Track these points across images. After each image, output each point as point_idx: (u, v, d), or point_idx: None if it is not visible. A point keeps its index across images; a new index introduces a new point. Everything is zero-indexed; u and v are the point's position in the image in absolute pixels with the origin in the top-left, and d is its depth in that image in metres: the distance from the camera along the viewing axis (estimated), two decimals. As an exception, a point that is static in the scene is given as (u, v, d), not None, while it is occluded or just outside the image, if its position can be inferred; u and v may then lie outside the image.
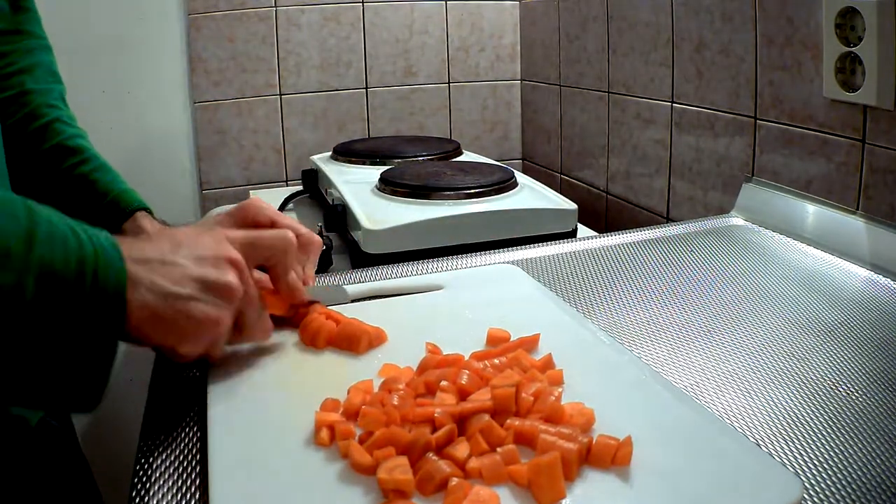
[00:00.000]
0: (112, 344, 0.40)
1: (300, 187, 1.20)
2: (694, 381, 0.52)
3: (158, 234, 0.47)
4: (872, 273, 0.69)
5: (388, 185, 0.95)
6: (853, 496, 0.39)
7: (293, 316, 0.58)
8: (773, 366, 0.53)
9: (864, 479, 0.40)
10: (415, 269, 0.75)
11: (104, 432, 1.37)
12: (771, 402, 0.49)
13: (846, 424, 0.46)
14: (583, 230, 0.96)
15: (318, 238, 0.61)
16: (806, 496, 0.39)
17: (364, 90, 1.43)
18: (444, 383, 0.45)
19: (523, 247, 0.81)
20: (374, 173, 1.02)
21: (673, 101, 1.04)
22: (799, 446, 0.44)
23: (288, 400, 0.47)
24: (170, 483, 0.42)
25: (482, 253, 0.80)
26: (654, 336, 0.59)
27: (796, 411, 0.47)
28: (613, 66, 1.18)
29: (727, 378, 0.52)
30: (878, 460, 0.42)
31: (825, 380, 0.51)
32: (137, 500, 0.41)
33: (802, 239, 0.79)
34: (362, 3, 1.40)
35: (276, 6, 1.34)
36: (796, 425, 0.46)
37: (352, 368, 0.52)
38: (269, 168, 1.40)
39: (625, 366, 0.50)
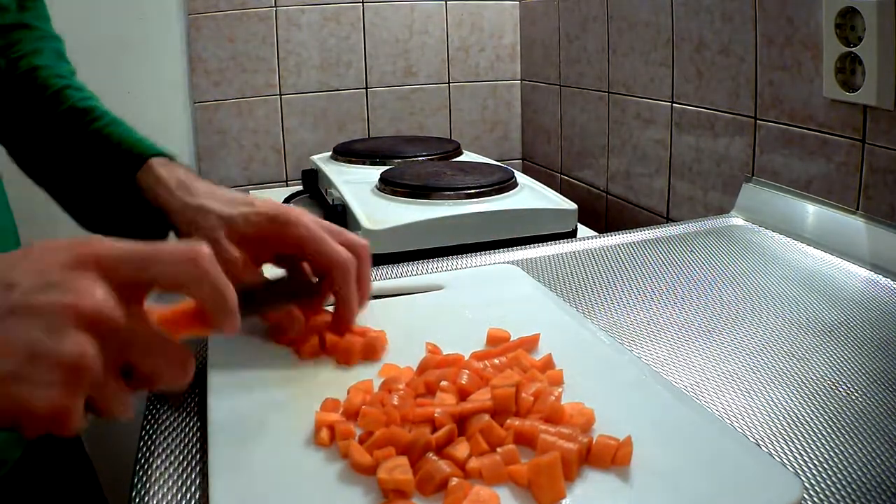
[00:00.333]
0: None
1: (300, 187, 1.20)
2: (694, 381, 0.52)
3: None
4: (872, 273, 0.69)
5: (388, 185, 0.95)
6: (853, 496, 0.39)
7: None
8: (773, 366, 0.53)
9: (864, 479, 0.40)
10: (415, 269, 0.75)
11: (104, 432, 1.37)
12: (771, 402, 0.49)
13: (846, 424, 0.46)
14: (583, 230, 0.96)
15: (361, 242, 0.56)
16: (806, 496, 0.39)
17: (364, 90, 1.43)
18: (444, 383, 0.45)
19: (523, 247, 0.81)
20: (374, 173, 1.02)
21: (673, 101, 1.04)
22: (799, 446, 0.44)
23: (288, 400, 0.47)
24: (170, 483, 0.42)
25: (482, 253, 0.80)
26: (654, 336, 0.59)
27: (796, 411, 0.47)
28: (613, 66, 1.18)
29: (727, 378, 0.52)
30: (878, 460, 0.42)
31: (825, 380, 0.51)
32: (137, 500, 0.41)
33: (802, 239, 0.79)
34: (362, 3, 1.40)
35: (276, 6, 1.34)
36: (796, 425, 0.46)
37: (352, 368, 0.52)
38: (269, 168, 1.40)
39: (625, 366, 0.50)
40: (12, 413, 0.32)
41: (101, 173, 0.62)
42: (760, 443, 0.44)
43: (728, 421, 0.46)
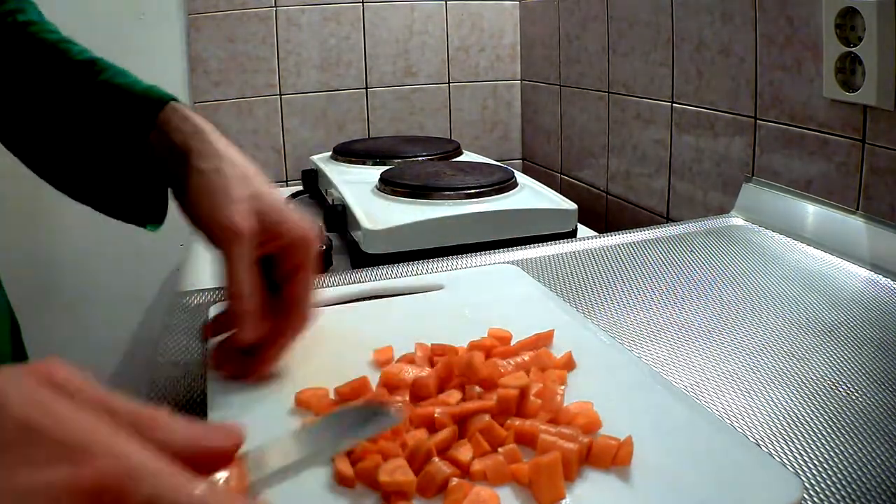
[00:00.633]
0: None
1: (300, 187, 1.20)
2: (694, 381, 0.52)
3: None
4: (872, 273, 0.69)
5: (388, 185, 0.95)
6: (853, 496, 0.39)
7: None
8: (773, 366, 0.53)
9: (864, 479, 0.40)
10: (415, 269, 0.75)
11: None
12: (771, 402, 0.49)
13: (846, 424, 0.46)
14: (583, 230, 0.96)
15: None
16: (806, 496, 0.39)
17: (364, 90, 1.43)
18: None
19: (523, 247, 0.81)
20: (374, 173, 1.02)
21: (673, 101, 1.04)
22: (799, 446, 0.44)
23: (289, 400, 0.47)
24: (170, 483, 0.42)
25: (482, 253, 0.80)
26: (654, 336, 0.59)
27: (796, 411, 0.47)
28: (613, 66, 1.18)
29: (727, 378, 0.52)
30: (878, 460, 0.42)
31: (825, 380, 0.51)
32: (137, 500, 0.41)
33: (802, 239, 0.79)
34: (362, 3, 1.40)
35: (276, 6, 1.34)
36: (796, 425, 0.46)
37: (353, 369, 0.51)
38: (269, 168, 1.40)
39: (625, 366, 0.50)
40: None
41: (115, 122, 0.57)
42: (760, 443, 0.44)
43: (728, 421, 0.46)
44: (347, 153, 1.19)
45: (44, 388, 0.26)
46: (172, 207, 0.58)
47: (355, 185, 0.99)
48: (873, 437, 0.44)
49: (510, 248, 0.81)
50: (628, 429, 0.41)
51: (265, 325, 0.49)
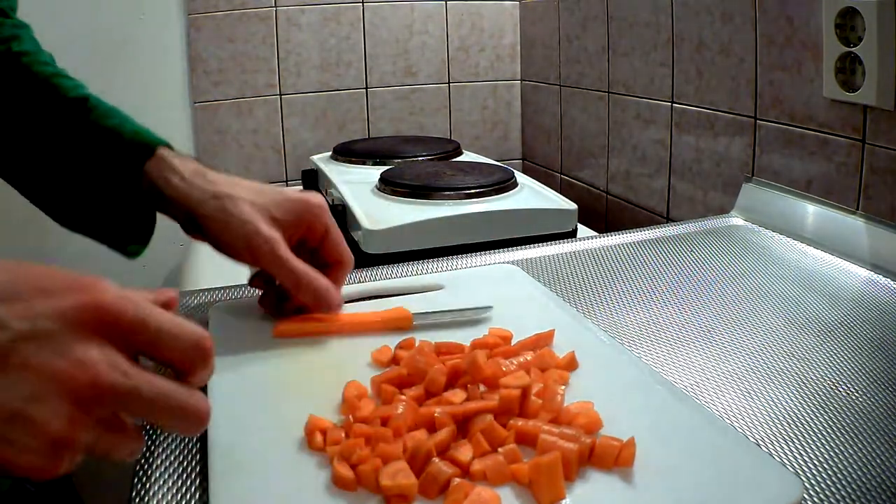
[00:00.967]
0: None
1: (300, 187, 1.20)
2: (694, 381, 0.52)
3: None
4: (872, 273, 0.69)
5: (388, 185, 0.95)
6: (853, 496, 0.39)
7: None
8: (773, 366, 0.53)
9: (864, 479, 0.40)
10: (415, 269, 0.75)
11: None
12: (771, 402, 0.49)
13: (846, 424, 0.46)
14: (583, 230, 0.96)
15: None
16: (806, 496, 0.39)
17: (364, 90, 1.43)
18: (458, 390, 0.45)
19: (523, 247, 0.81)
20: (374, 173, 1.02)
21: (673, 101, 1.04)
22: (799, 446, 0.44)
23: (289, 400, 0.47)
24: (170, 483, 0.42)
25: (482, 253, 0.80)
26: (654, 336, 0.59)
27: (796, 411, 0.47)
28: (613, 66, 1.18)
29: (727, 378, 0.52)
30: (878, 460, 0.42)
31: (825, 380, 0.51)
32: (137, 501, 0.41)
33: (802, 239, 0.79)
34: (362, 3, 1.40)
35: (276, 6, 1.34)
36: (796, 425, 0.46)
37: (353, 369, 0.51)
38: (269, 168, 1.40)
39: (625, 366, 0.50)
40: None
41: (104, 165, 0.59)
42: (760, 443, 0.44)
43: (728, 421, 0.46)
44: (347, 153, 1.19)
45: None
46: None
47: (355, 185, 1.00)
48: (873, 437, 0.44)
49: (510, 248, 0.81)
50: (629, 429, 0.41)
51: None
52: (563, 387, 0.46)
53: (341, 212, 0.91)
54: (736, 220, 0.88)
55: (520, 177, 1.01)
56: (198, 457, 0.44)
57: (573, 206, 0.91)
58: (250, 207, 0.55)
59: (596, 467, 0.39)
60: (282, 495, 0.38)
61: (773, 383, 0.51)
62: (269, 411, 0.46)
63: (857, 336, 0.58)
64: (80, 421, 0.31)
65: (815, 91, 0.79)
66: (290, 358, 0.53)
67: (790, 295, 0.66)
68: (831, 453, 0.43)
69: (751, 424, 0.46)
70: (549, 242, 0.83)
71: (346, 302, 0.63)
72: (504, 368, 0.47)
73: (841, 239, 0.75)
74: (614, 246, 0.81)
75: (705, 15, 0.95)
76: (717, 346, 0.57)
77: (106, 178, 0.60)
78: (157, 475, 0.43)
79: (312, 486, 0.39)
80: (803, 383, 0.51)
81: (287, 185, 1.41)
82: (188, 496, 0.41)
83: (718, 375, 0.52)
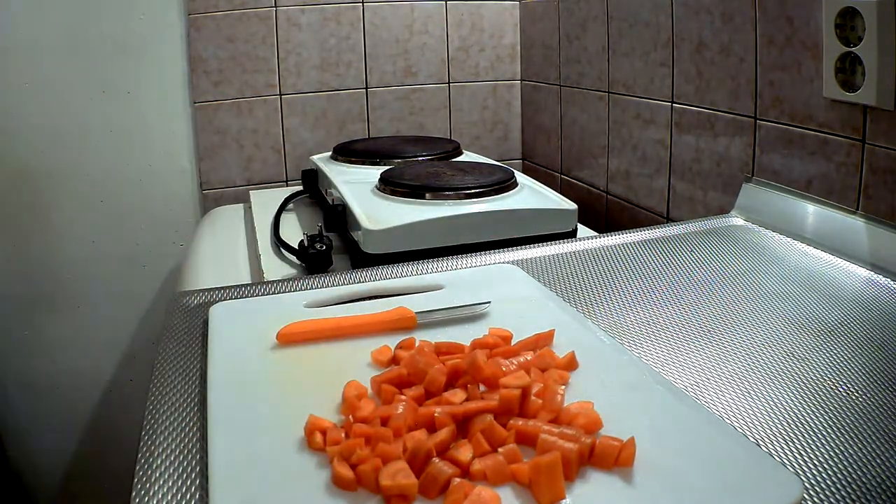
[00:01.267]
0: None
1: (300, 187, 1.20)
2: (694, 381, 0.52)
3: None
4: (872, 273, 0.69)
5: (388, 185, 0.95)
6: (853, 496, 0.39)
7: None
8: (773, 366, 0.53)
9: (864, 479, 0.40)
10: (415, 269, 0.75)
11: (104, 432, 1.37)
12: (771, 402, 0.49)
13: (846, 424, 0.46)
14: (583, 230, 0.96)
15: None
16: (806, 496, 0.39)
17: (364, 90, 1.43)
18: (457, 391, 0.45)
19: (523, 247, 0.81)
20: (374, 173, 1.02)
21: (673, 101, 1.04)
22: (799, 446, 0.44)
23: (289, 400, 0.47)
24: (170, 483, 0.42)
25: (482, 253, 0.80)
26: (654, 336, 0.59)
27: (796, 411, 0.47)
28: (613, 66, 1.18)
29: (727, 378, 0.52)
30: (878, 460, 0.42)
31: (825, 380, 0.51)
32: (137, 501, 0.41)
33: (802, 239, 0.79)
34: (362, 3, 1.40)
35: (276, 6, 1.34)
36: (796, 425, 0.46)
37: (353, 369, 0.52)
38: (269, 168, 1.40)
39: (625, 366, 0.50)
40: None
41: None
42: (760, 443, 0.44)
43: (728, 421, 0.46)
44: (347, 153, 1.19)
45: None
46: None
47: (355, 185, 0.99)
48: (873, 437, 0.44)
49: (510, 248, 0.81)
50: (628, 429, 0.41)
51: None
52: (563, 387, 0.46)
53: (341, 212, 0.91)
54: (736, 220, 0.88)
55: (520, 177, 1.01)
56: (198, 457, 0.44)
57: (573, 206, 0.91)
58: None
59: (596, 467, 0.39)
60: (282, 495, 0.38)
61: (773, 383, 0.51)
62: (269, 411, 0.46)
63: (857, 336, 0.58)
64: None
65: (815, 91, 0.79)
66: (289, 358, 0.53)
67: (790, 295, 0.66)
68: (831, 453, 0.43)
69: (751, 424, 0.46)
70: (549, 242, 0.83)
71: (347, 302, 0.63)
72: (504, 368, 0.47)
73: (841, 239, 0.75)
74: (614, 246, 0.81)
75: (705, 15, 0.95)
76: (717, 346, 0.57)
77: None
78: (157, 475, 0.43)
79: (312, 486, 0.39)
80: (803, 383, 0.51)
81: (287, 186, 1.41)
82: (188, 496, 0.41)
83: (718, 375, 0.52)
